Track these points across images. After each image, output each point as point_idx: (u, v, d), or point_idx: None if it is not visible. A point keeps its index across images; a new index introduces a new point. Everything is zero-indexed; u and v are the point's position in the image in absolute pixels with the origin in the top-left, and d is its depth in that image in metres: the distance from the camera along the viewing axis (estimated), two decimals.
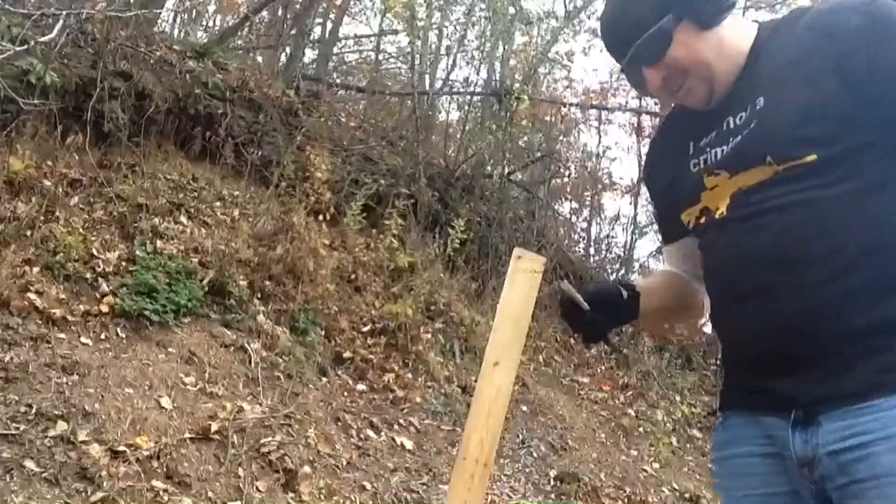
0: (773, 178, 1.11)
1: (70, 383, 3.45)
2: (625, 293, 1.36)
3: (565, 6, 9.27)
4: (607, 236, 11.62)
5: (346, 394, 4.75)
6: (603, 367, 7.56)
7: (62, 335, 3.74)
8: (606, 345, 1.48)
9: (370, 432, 4.48)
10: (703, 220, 1.24)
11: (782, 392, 1.13)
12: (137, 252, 4.43)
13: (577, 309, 1.33)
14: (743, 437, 1.22)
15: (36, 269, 3.97)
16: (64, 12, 4.28)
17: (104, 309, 4.01)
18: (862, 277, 1.06)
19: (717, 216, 1.20)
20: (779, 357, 1.13)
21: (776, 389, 1.14)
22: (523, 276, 1.38)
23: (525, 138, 8.72)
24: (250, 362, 4.34)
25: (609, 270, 10.50)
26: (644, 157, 1.60)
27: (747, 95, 1.19)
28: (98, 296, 4.08)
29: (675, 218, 1.32)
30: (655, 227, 12.37)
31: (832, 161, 1.08)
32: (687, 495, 5.56)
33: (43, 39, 4.14)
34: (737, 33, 1.22)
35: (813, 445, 1.09)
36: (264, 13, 8.75)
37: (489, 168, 8.22)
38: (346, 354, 5.04)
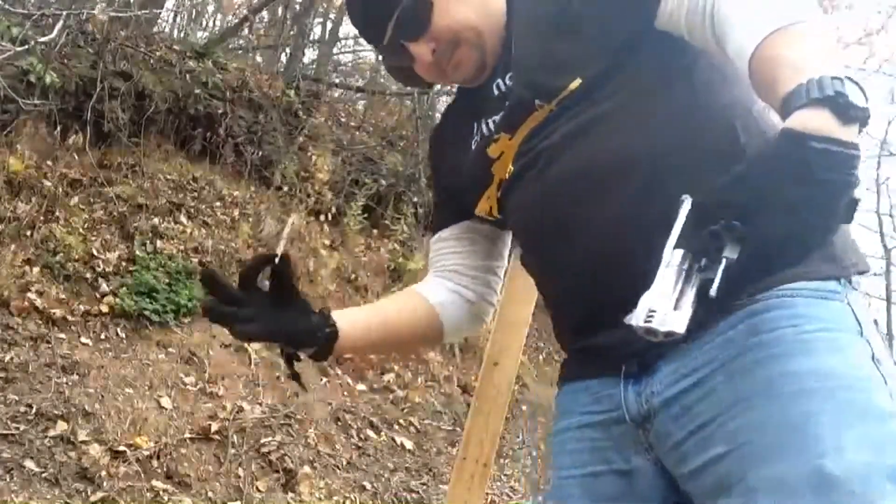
0: (547, 118, 1.00)
1: (70, 383, 3.45)
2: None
3: None
4: None
5: (346, 394, 4.75)
6: None
7: (62, 335, 3.74)
8: (287, 366, 1.07)
9: (370, 432, 4.48)
10: (500, 193, 1.08)
11: (607, 343, 0.94)
12: (137, 252, 4.44)
13: (260, 263, 1.01)
14: (572, 407, 1.03)
15: (36, 269, 3.97)
16: (64, 12, 4.28)
17: (104, 309, 4.01)
18: (667, 190, 0.84)
19: (507, 178, 1.06)
20: (599, 306, 0.95)
21: (601, 343, 0.96)
22: (523, 276, 1.38)
23: None
24: (250, 362, 4.34)
25: None
26: (427, 152, 1.39)
27: (509, 52, 1.07)
28: (98, 296, 4.08)
29: (465, 212, 1.16)
30: None
31: (597, 80, 0.97)
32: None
33: (43, 39, 4.15)
34: None
35: (646, 396, 0.91)
36: (264, 13, 8.75)
37: None
38: (346, 354, 5.05)
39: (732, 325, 0.86)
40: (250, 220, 5.38)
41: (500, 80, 1.08)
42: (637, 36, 0.97)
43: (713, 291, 0.73)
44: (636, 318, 0.76)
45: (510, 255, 1.27)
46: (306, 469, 3.77)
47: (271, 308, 1.00)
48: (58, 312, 3.80)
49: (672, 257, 0.78)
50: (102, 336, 3.90)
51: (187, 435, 3.54)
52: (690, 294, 0.76)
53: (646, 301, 0.76)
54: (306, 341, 1.05)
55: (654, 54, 0.97)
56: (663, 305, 0.75)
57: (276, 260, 1.00)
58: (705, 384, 0.87)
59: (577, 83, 0.97)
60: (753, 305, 0.86)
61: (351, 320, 1.10)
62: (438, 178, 1.27)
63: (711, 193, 0.77)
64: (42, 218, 4.22)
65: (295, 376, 1.06)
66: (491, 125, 1.08)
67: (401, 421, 4.76)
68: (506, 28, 1.09)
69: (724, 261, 0.74)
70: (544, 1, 1.06)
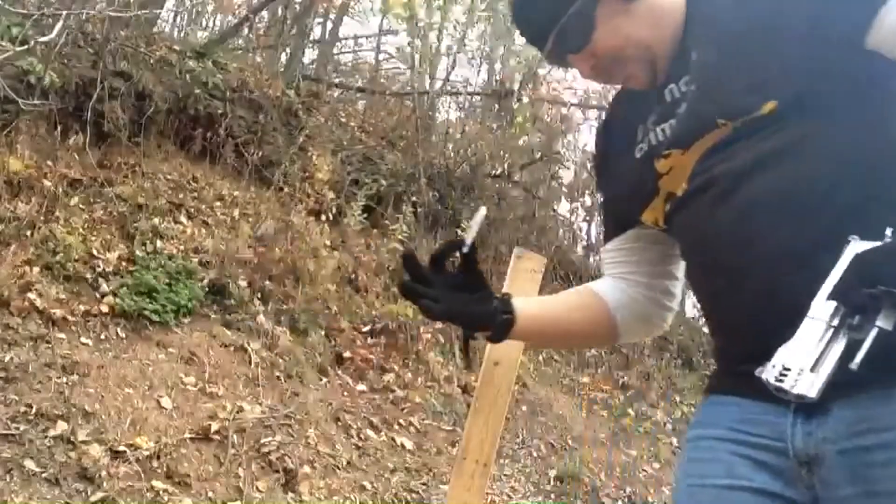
0: (729, 136, 0.95)
1: (70, 383, 3.45)
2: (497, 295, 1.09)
3: None
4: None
5: (346, 394, 4.75)
6: (603, 367, 7.56)
7: (62, 335, 3.74)
8: (463, 346, 1.18)
9: (370, 432, 4.48)
10: (668, 207, 1.05)
11: None
12: (137, 252, 4.44)
13: (447, 250, 1.07)
14: (717, 419, 1.01)
15: (36, 269, 3.97)
16: (64, 12, 4.28)
17: (104, 309, 4.01)
18: (864, 226, 0.79)
19: (679, 194, 1.02)
20: (774, 339, 0.88)
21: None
22: (523, 275, 1.38)
23: (525, 138, 8.72)
24: (250, 362, 4.34)
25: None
26: (593, 153, 1.34)
27: (686, 56, 1.02)
28: (98, 296, 4.08)
29: (630, 220, 1.14)
30: None
31: (793, 104, 0.91)
32: None
33: (43, 39, 4.14)
34: None
35: (818, 440, 0.87)
36: (264, 13, 8.75)
37: (489, 168, 8.22)
38: (346, 354, 5.04)
39: None
40: (250, 220, 5.38)
41: (673, 86, 1.04)
42: (843, 57, 0.90)
43: (855, 364, 0.67)
44: (768, 373, 0.70)
45: (518, 256, 1.27)
46: (306, 469, 3.77)
47: (457, 291, 1.06)
48: (58, 312, 3.80)
49: (821, 310, 0.71)
50: (102, 336, 3.90)
51: (187, 435, 3.54)
52: (833, 356, 0.69)
53: (782, 356, 0.70)
54: (485, 324, 1.11)
55: (857, 79, 0.90)
56: (800, 363, 0.69)
57: (465, 249, 1.06)
58: (891, 449, 0.82)
59: (771, 106, 0.91)
60: None
61: (528, 312, 1.13)
62: (602, 182, 1.25)
63: (884, 248, 0.72)
64: (42, 218, 4.22)
65: (467, 356, 1.14)
66: (660, 134, 1.04)
67: (401, 421, 4.75)
68: (684, 33, 1.03)
69: (875, 329, 0.67)
70: (738, 10, 0.99)
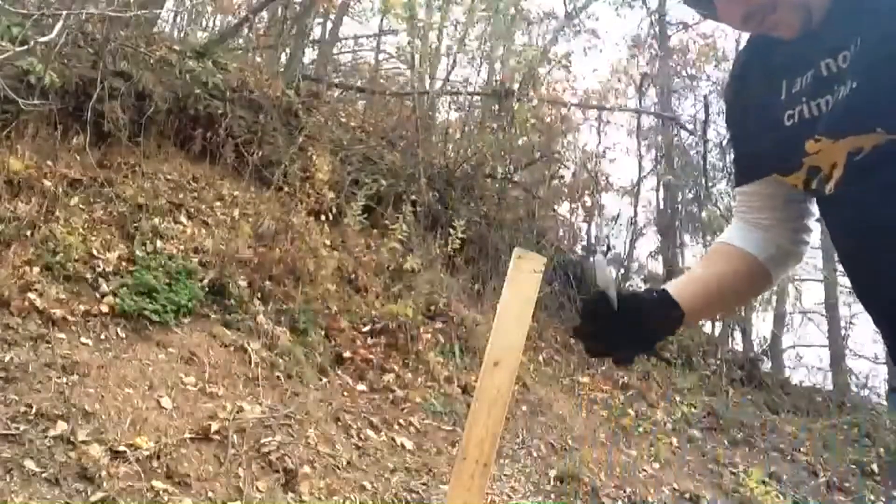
0: (886, 147, 0.92)
1: (70, 383, 3.45)
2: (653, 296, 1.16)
3: (565, 6, 9.28)
4: (607, 236, 11.63)
5: (346, 394, 4.75)
6: (603, 367, 7.56)
7: (62, 335, 3.74)
8: (651, 354, 1.24)
9: (370, 432, 4.48)
10: (813, 185, 1.04)
11: None
12: (137, 252, 4.43)
13: (603, 311, 1.12)
14: None
15: (36, 269, 3.97)
16: (64, 12, 4.27)
17: (104, 309, 4.00)
18: None
19: (830, 187, 1.00)
20: None
21: None
22: (523, 276, 1.38)
23: (525, 138, 8.72)
24: (250, 362, 4.34)
25: (609, 270, 10.48)
26: (724, 93, 1.31)
27: (848, 29, 0.97)
28: (98, 296, 4.08)
29: (764, 169, 1.13)
30: (655, 227, 12.42)
31: None
32: (687, 495, 5.56)
33: (43, 39, 4.14)
34: None
35: None
36: (264, 13, 8.75)
37: (489, 168, 8.22)
38: (346, 354, 5.04)
39: None
40: (250, 220, 5.37)
41: (830, 61, 0.99)
42: None
43: None
44: None
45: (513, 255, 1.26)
46: (306, 469, 3.77)
47: (628, 328, 1.13)
48: (58, 312, 3.80)
49: None
50: (102, 336, 3.90)
51: (187, 435, 3.53)
52: None
53: None
54: (666, 335, 1.18)
55: None
56: None
57: (615, 305, 1.13)
58: None
59: None
60: None
61: (692, 303, 1.16)
62: (736, 130, 1.22)
63: None
64: (42, 218, 4.22)
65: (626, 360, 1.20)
66: (814, 110, 1.01)
67: (401, 421, 4.75)
68: None
69: None
70: None
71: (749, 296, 1.33)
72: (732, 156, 1.33)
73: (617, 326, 1.13)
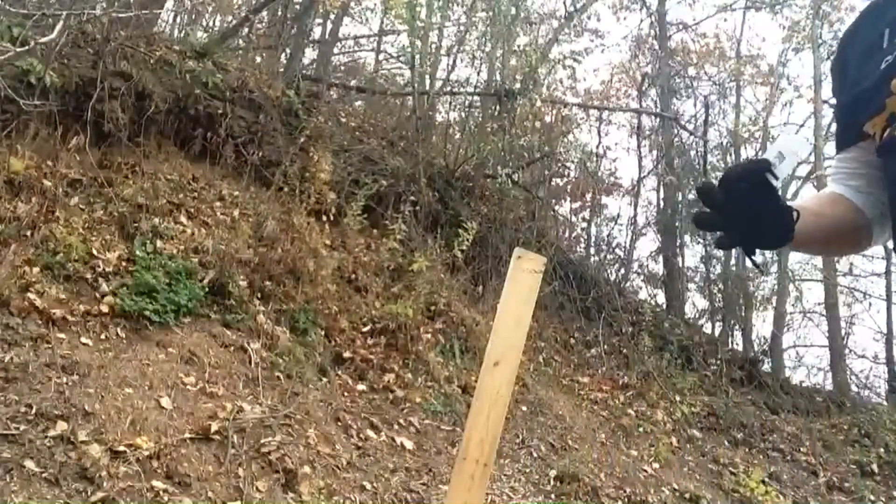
0: None
1: (70, 383, 3.45)
2: (775, 181, 1.08)
3: (566, 7, 9.28)
4: (607, 236, 11.64)
5: (346, 394, 4.75)
6: (603, 368, 7.56)
7: (62, 335, 3.74)
8: (750, 261, 1.16)
9: (370, 432, 4.48)
10: (887, 131, 1.04)
11: None
12: (137, 252, 4.43)
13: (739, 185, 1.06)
14: None
15: (36, 269, 3.97)
16: (64, 13, 4.28)
17: (104, 309, 4.00)
18: None
19: None
20: None
21: None
22: (523, 276, 1.38)
23: (525, 138, 8.72)
24: (250, 362, 4.34)
25: (609, 271, 10.50)
26: (836, 50, 1.33)
27: None
28: (98, 296, 4.08)
29: (854, 125, 1.13)
30: (654, 227, 12.42)
31: None
32: (687, 495, 5.56)
33: (43, 40, 4.14)
34: None
35: None
36: (264, 13, 8.75)
37: (489, 168, 8.23)
38: (346, 354, 5.04)
39: None
40: (250, 220, 5.37)
41: None
42: None
43: None
44: None
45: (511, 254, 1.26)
46: (306, 469, 3.77)
47: (750, 212, 1.07)
48: (58, 312, 3.80)
49: None
50: (102, 336, 3.90)
51: (187, 435, 3.53)
52: None
53: None
54: (772, 244, 1.13)
55: None
56: None
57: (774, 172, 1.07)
58: None
59: None
60: None
61: (805, 227, 1.12)
62: (836, 86, 1.24)
63: None
64: (42, 218, 4.22)
65: (754, 263, 1.15)
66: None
67: (401, 421, 4.75)
68: None
69: None
70: None
71: (852, 247, 1.31)
72: (836, 118, 1.33)
73: (738, 206, 1.08)
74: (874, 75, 1.07)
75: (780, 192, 1.09)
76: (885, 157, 1.07)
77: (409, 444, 4.54)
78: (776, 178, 1.08)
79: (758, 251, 1.13)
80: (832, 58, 1.32)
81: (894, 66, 1.03)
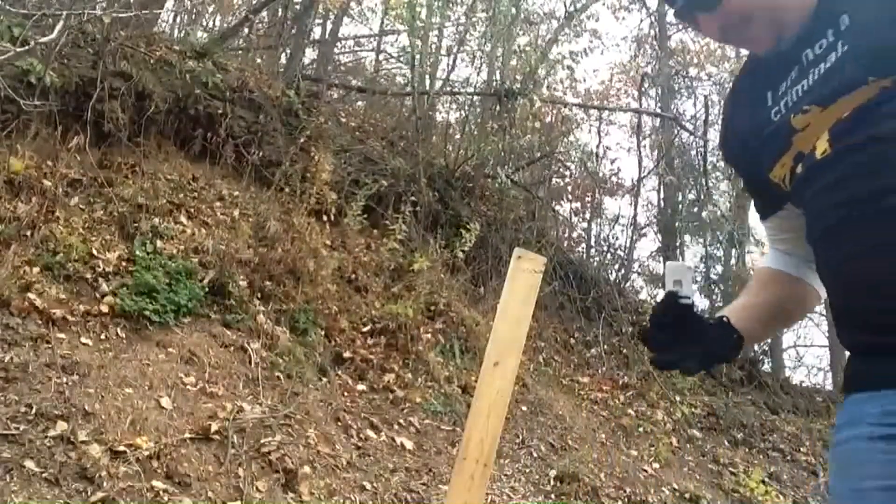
0: (877, 98, 0.93)
1: (70, 383, 3.45)
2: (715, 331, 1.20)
3: (566, 7, 9.28)
4: (607, 236, 11.64)
5: (346, 394, 4.75)
6: (603, 368, 7.56)
7: (62, 335, 3.74)
8: (707, 372, 1.19)
9: (370, 432, 4.48)
10: (799, 168, 1.04)
11: None
12: (137, 252, 4.43)
13: (676, 315, 1.15)
14: (861, 416, 0.99)
15: (36, 269, 3.97)
16: (64, 13, 4.28)
17: (104, 309, 4.00)
18: None
19: (818, 157, 1.00)
20: None
21: None
22: (523, 276, 1.38)
23: (525, 138, 8.72)
24: (250, 362, 4.34)
25: (609, 270, 10.50)
26: (720, 126, 1.37)
27: (826, 20, 1.01)
28: (98, 296, 4.08)
29: (764, 183, 1.13)
30: (655, 227, 12.42)
31: None
32: (687, 495, 5.56)
33: (43, 40, 4.14)
34: None
35: None
36: (264, 13, 8.75)
37: (489, 168, 8.22)
38: (346, 354, 5.04)
39: None
40: (250, 220, 5.37)
41: (809, 50, 1.03)
42: None
43: None
44: None
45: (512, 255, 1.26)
46: (306, 469, 3.77)
47: (691, 342, 1.19)
48: (58, 312, 3.80)
49: None
50: (102, 336, 3.90)
51: (187, 435, 3.53)
52: None
53: None
54: (725, 359, 1.24)
55: None
56: None
57: (692, 304, 1.17)
58: None
59: None
60: None
61: (748, 328, 1.22)
62: (729, 153, 1.26)
63: None
64: (42, 218, 4.22)
65: (711, 374, 1.20)
66: (799, 92, 1.04)
67: (401, 421, 4.75)
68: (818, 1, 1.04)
69: None
70: None
71: (801, 313, 1.33)
72: (746, 190, 1.36)
73: (682, 341, 1.17)
74: (768, 127, 1.09)
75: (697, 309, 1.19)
76: (797, 193, 1.08)
77: (409, 444, 4.54)
78: (688, 297, 1.16)
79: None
80: (719, 140, 1.34)
81: (790, 109, 1.05)
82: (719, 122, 1.35)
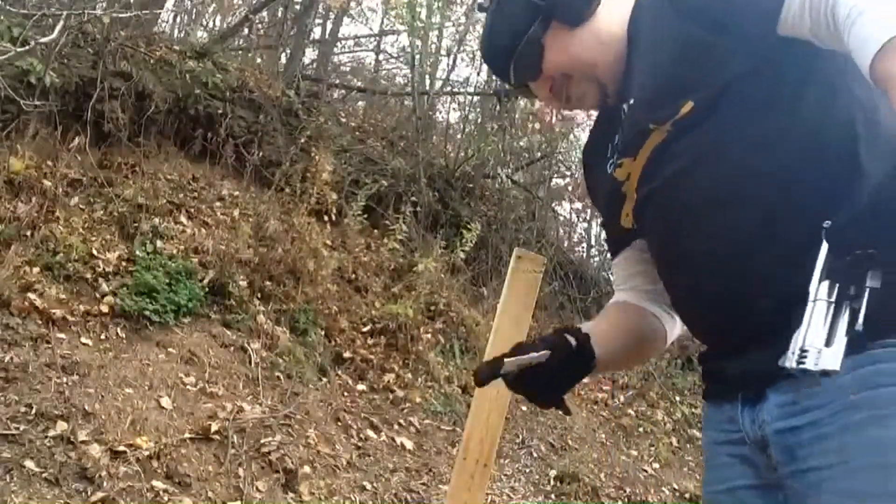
0: (665, 140, 1.02)
1: (70, 383, 3.45)
2: (573, 340, 1.10)
3: None
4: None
5: (346, 394, 4.75)
6: None
7: (62, 335, 3.74)
8: (559, 408, 1.14)
9: (370, 432, 4.48)
10: (634, 211, 1.14)
11: (729, 369, 1.01)
12: (137, 252, 4.43)
13: (532, 371, 1.07)
14: (710, 423, 1.11)
15: (36, 269, 3.97)
16: (64, 13, 4.28)
17: (104, 309, 4.01)
18: (794, 213, 0.91)
19: (636, 198, 1.10)
20: (721, 335, 1.03)
21: (725, 368, 1.03)
22: (523, 276, 1.38)
23: (525, 139, 8.72)
24: (250, 362, 4.34)
25: (609, 270, 10.49)
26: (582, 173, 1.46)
27: (632, 75, 1.10)
28: (98, 296, 4.08)
29: (616, 227, 1.19)
30: None
31: (709, 102, 0.98)
32: (687, 495, 5.56)
33: (43, 40, 4.14)
34: (612, 18, 1.11)
35: (760, 423, 0.96)
36: (264, 13, 8.75)
37: (489, 168, 8.22)
38: (346, 354, 5.04)
39: (849, 370, 0.80)
40: (250, 220, 5.38)
41: (625, 105, 1.11)
42: (756, 51, 0.96)
43: (859, 325, 0.73)
44: (789, 361, 0.76)
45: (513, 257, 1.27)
46: (306, 469, 3.77)
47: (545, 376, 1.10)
48: (58, 312, 3.80)
49: (818, 291, 0.76)
50: (102, 336, 3.90)
51: (187, 435, 3.54)
52: (842, 327, 0.74)
53: (796, 341, 0.76)
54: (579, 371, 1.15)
55: (770, 68, 0.96)
56: (815, 343, 0.74)
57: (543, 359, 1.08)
58: (817, 428, 0.88)
59: (688, 106, 0.98)
60: (875, 351, 0.85)
61: (601, 353, 1.15)
62: (591, 197, 1.33)
63: (850, 219, 0.77)
64: (42, 218, 4.22)
65: (567, 410, 1.15)
66: (618, 146, 1.12)
67: (401, 421, 4.75)
68: (628, 54, 1.11)
69: (867, 290, 0.73)
70: (663, 27, 1.06)
71: (652, 347, 1.28)
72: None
73: (546, 375, 1.09)
74: (606, 183, 1.16)
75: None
76: (637, 219, 1.13)
77: (409, 444, 4.54)
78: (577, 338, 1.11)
79: None
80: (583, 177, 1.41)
81: (613, 164, 1.13)
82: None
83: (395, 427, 4.67)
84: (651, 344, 1.25)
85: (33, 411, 3.19)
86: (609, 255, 1.33)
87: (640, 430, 6.46)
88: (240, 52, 8.02)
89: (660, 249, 1.11)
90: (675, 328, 1.25)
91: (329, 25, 10.01)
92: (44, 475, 2.95)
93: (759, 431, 0.96)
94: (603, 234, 1.43)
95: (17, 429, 3.08)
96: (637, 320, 1.23)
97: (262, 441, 3.76)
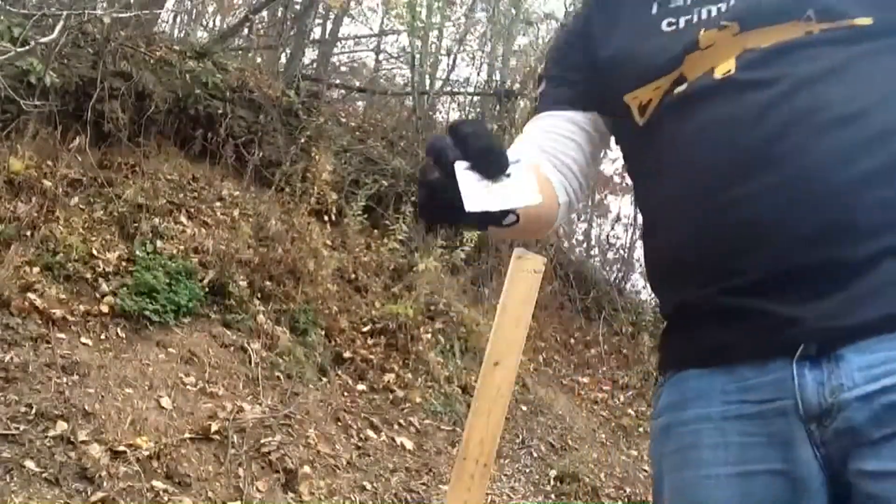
0: (801, 39, 0.85)
1: (70, 383, 3.45)
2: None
3: (566, 7, 9.28)
4: (608, 236, 11.63)
5: (346, 394, 4.75)
6: (603, 368, 7.57)
7: (62, 335, 3.74)
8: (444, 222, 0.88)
9: (370, 432, 4.48)
10: (676, 90, 0.91)
11: (788, 317, 0.80)
12: (137, 252, 4.44)
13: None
14: (707, 392, 0.87)
15: (36, 269, 3.97)
16: (64, 13, 4.28)
17: (104, 309, 4.01)
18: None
19: (718, 77, 0.87)
20: (785, 264, 0.80)
21: (772, 311, 0.81)
22: (523, 276, 1.38)
23: None
24: (250, 362, 4.34)
25: (609, 270, 10.50)
26: (565, 29, 1.15)
27: None
28: (98, 296, 4.08)
29: (608, 104, 1.00)
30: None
31: (888, 27, 0.84)
32: None
33: (44, 40, 4.14)
34: None
35: (832, 388, 0.78)
36: (264, 13, 8.75)
37: None
38: (346, 354, 5.05)
39: None
40: (250, 220, 5.38)
41: None
42: None
43: None
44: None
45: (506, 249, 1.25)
46: (306, 469, 3.77)
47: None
48: (58, 312, 3.80)
49: None
50: (102, 336, 3.90)
51: (187, 435, 3.54)
52: None
53: None
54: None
55: None
56: None
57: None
58: None
59: (867, 21, 0.84)
60: None
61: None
62: (578, 51, 1.07)
63: None
64: (42, 218, 4.22)
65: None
66: (714, 11, 0.91)
67: (401, 421, 4.76)
68: None
69: None
70: None
71: (544, 227, 1.10)
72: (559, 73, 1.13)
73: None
74: (652, 40, 0.94)
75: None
76: (656, 119, 0.94)
77: (409, 444, 4.54)
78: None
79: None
80: (564, 36, 1.16)
81: (697, 25, 0.92)
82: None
83: (395, 427, 4.68)
84: (546, 220, 1.06)
85: (33, 411, 3.20)
86: (552, 98, 1.10)
87: (640, 430, 6.46)
88: (240, 52, 8.02)
89: (711, 144, 0.86)
90: (558, 219, 1.09)
91: (329, 25, 10.01)
92: (44, 475, 2.95)
93: (828, 398, 0.78)
94: (541, 89, 1.14)
95: (17, 429, 3.08)
96: (547, 186, 1.02)
97: (262, 441, 3.77)
